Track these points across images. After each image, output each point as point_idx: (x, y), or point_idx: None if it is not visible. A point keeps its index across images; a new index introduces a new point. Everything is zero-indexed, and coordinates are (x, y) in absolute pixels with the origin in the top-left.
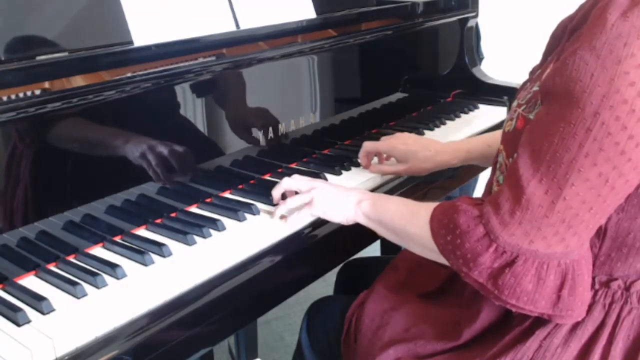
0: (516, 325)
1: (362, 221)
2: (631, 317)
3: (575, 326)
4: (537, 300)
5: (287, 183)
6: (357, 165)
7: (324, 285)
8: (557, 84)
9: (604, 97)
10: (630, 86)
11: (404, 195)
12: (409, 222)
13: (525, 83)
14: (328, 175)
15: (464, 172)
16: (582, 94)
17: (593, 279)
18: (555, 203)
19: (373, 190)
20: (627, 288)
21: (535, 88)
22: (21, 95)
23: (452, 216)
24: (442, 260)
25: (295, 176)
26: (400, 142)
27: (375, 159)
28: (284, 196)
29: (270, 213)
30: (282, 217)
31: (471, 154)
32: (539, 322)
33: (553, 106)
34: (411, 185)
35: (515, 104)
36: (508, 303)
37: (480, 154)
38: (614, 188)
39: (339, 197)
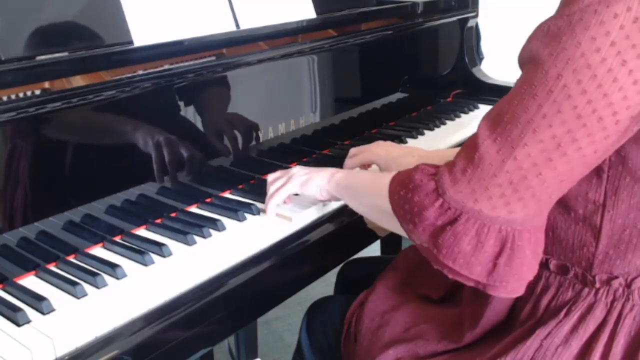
0: (518, 327)
1: (333, 189)
2: (633, 313)
3: (577, 325)
4: (472, 264)
5: (272, 189)
6: None
7: (324, 285)
8: (527, 50)
9: (569, 60)
10: (596, 52)
11: None
12: (372, 185)
13: None
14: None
15: None
16: (548, 57)
17: (594, 277)
18: (505, 162)
19: None
20: (628, 285)
21: None
22: (21, 95)
23: (410, 173)
24: (396, 225)
25: (270, 178)
26: (382, 149)
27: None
28: None
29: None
30: (281, 216)
31: None
32: (541, 321)
33: (522, 73)
34: None
35: None
36: (445, 266)
37: None
38: (566, 154)
39: (316, 171)
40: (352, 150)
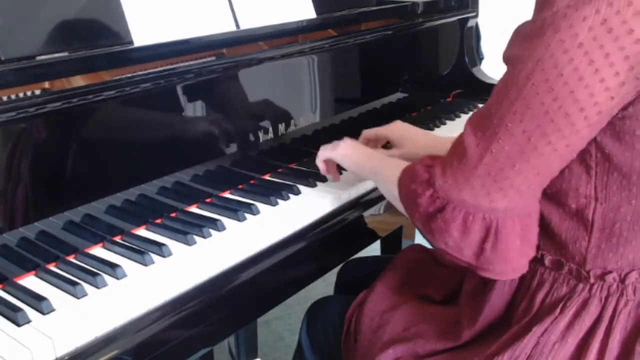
0: (515, 323)
1: (370, 175)
2: (627, 309)
3: (573, 321)
4: (462, 248)
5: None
6: None
7: (324, 285)
8: (506, 52)
9: (539, 61)
10: (564, 53)
11: None
12: (391, 173)
13: None
14: (328, 175)
15: None
16: (521, 59)
17: (588, 272)
18: (483, 155)
19: None
20: (622, 280)
21: None
22: (21, 95)
23: (413, 164)
24: (402, 207)
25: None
26: (398, 127)
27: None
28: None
29: (270, 213)
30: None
31: None
32: (536, 318)
33: (502, 74)
34: None
35: None
36: (440, 249)
37: None
38: (537, 148)
39: (357, 150)
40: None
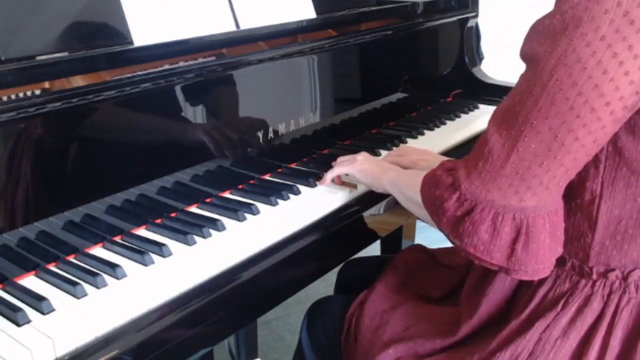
0: (513, 319)
1: (386, 185)
2: (630, 306)
3: (575, 317)
4: (492, 251)
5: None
6: None
7: (324, 285)
8: (526, 48)
9: (562, 56)
10: (586, 47)
11: None
12: (412, 184)
13: None
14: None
15: None
16: (544, 55)
17: (590, 269)
18: (510, 155)
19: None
20: (625, 278)
21: None
22: (21, 95)
23: (433, 170)
24: (426, 215)
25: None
26: (421, 158)
27: None
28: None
29: (270, 213)
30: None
31: None
32: (537, 314)
33: (523, 71)
34: None
35: None
36: (469, 253)
37: None
38: (564, 145)
39: (375, 164)
40: (398, 151)
